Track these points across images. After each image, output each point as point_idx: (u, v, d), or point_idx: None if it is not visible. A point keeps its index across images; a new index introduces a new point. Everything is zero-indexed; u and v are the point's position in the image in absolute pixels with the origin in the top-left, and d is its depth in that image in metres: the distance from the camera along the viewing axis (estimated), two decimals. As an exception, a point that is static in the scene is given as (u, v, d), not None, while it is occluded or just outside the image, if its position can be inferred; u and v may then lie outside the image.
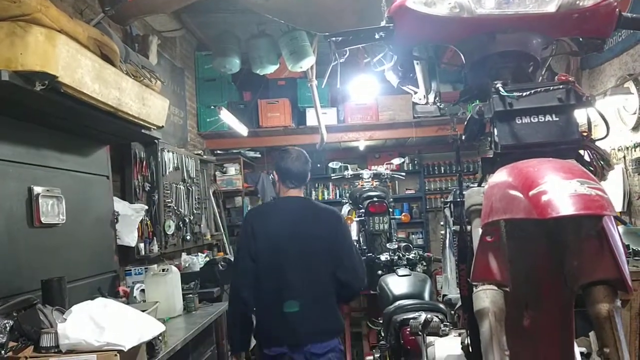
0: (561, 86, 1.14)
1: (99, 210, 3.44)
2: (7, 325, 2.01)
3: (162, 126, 3.49)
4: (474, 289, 1.05)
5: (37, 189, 2.69)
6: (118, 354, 2.02)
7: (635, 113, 4.33)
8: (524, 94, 1.14)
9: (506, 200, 0.92)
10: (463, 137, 1.32)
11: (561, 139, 1.11)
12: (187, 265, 4.64)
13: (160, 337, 2.42)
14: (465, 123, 1.28)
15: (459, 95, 1.37)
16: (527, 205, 0.86)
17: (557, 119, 1.12)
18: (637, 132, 4.33)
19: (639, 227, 4.20)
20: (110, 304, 2.30)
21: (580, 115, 1.19)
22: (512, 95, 1.14)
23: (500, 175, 0.99)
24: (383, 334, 3.27)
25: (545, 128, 1.12)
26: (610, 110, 4.44)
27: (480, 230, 1.02)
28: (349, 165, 6.67)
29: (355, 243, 2.79)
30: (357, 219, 5.09)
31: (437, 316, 2.09)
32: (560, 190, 0.84)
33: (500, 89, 1.15)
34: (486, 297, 0.97)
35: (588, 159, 1.15)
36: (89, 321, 2.09)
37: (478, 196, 1.08)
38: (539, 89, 1.14)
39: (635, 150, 4.33)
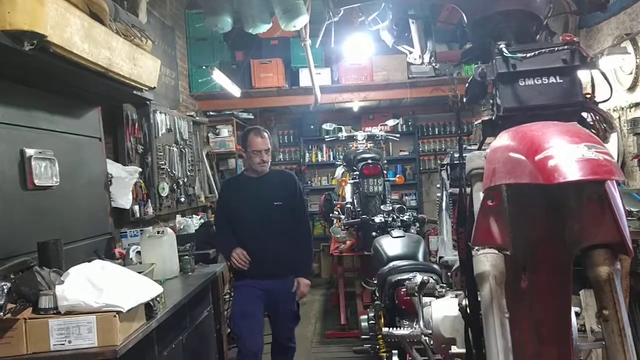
0: (566, 47, 1.11)
1: (92, 172, 3.42)
2: (4, 287, 2.02)
3: (154, 87, 3.43)
4: (473, 252, 1.05)
5: (29, 151, 2.66)
6: (117, 315, 2.04)
7: (631, 73, 4.30)
8: (528, 55, 1.11)
9: (510, 165, 0.91)
10: (464, 99, 1.29)
11: (565, 101, 1.09)
12: (181, 227, 4.65)
13: (157, 298, 2.44)
14: (467, 85, 1.25)
15: (461, 56, 1.34)
16: (533, 170, 0.85)
17: (561, 80, 1.10)
18: (633, 93, 4.31)
19: (632, 187, 4.23)
20: (107, 266, 2.31)
21: (583, 76, 1.17)
22: (516, 57, 1.11)
23: (504, 139, 0.98)
24: (377, 294, 3.32)
25: (549, 90, 1.10)
26: (607, 70, 4.41)
27: (481, 194, 1.01)
28: (342, 127, 6.63)
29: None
30: (352, 181, 5.09)
31: (431, 277, 2.12)
32: (567, 155, 0.83)
33: (504, 49, 1.12)
34: (487, 260, 0.97)
35: (590, 121, 1.14)
36: (87, 283, 2.11)
37: (479, 160, 1.07)
38: (543, 50, 1.11)
39: (630, 111, 4.32)
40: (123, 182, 3.77)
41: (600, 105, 1.20)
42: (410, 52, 1.64)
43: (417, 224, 4.62)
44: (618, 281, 0.91)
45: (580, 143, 0.84)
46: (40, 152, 2.73)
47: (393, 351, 2.60)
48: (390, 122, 6.72)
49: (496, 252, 0.98)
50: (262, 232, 3.42)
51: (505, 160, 0.93)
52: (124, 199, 3.78)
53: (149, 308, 2.36)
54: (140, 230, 3.70)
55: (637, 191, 3.81)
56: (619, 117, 4.41)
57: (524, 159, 0.88)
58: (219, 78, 5.57)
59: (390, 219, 4.20)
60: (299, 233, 3.51)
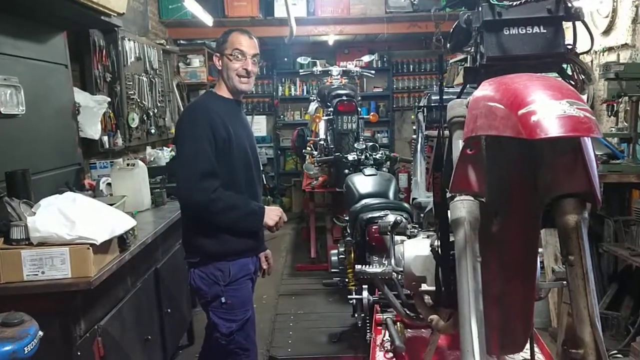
0: (551, -4, 1.11)
1: (59, 101, 3.31)
2: (-26, 218, 1.99)
3: (123, 13, 3.28)
4: (449, 198, 1.08)
5: (-7, 78, 2.56)
6: (90, 247, 2.05)
7: (607, 16, 4.30)
8: (514, 3, 1.10)
9: (493, 117, 0.92)
10: (448, 45, 1.29)
11: (547, 52, 1.10)
12: (152, 159, 4.60)
13: (130, 231, 2.44)
14: (451, 31, 1.24)
15: (446, 0, 1.32)
16: (516, 124, 0.86)
17: (545, 30, 1.10)
18: (608, 37, 4.33)
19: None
20: (79, 198, 2.28)
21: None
22: (502, 5, 1.10)
23: (487, 90, 0.99)
24: (349, 231, 3.39)
25: (532, 40, 1.10)
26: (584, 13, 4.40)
27: (461, 142, 1.03)
28: (317, 61, 6.51)
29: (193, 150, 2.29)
30: (326, 117, 5.07)
31: (403, 216, 2.17)
32: (549, 111, 0.85)
33: (490, -4, 1.11)
34: (463, 207, 1.00)
35: (570, 72, 1.15)
36: (59, 215, 2.08)
37: (460, 108, 1.08)
38: (529, -1, 1.11)
39: (603, 55, 4.36)
40: (91, 112, 3.67)
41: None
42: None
43: (389, 163, 4.68)
44: (585, 229, 0.95)
45: (563, 99, 0.86)
46: (5, 79, 2.62)
47: (363, 286, 2.70)
48: (366, 58, 6.63)
49: (472, 198, 1.01)
50: (257, 185, 2.54)
51: (488, 111, 0.94)
52: (92, 129, 3.69)
53: (122, 240, 2.37)
54: (110, 162, 3.64)
55: (604, 136, 3.91)
56: (591, 61, 4.45)
57: (507, 112, 0.89)
58: (191, 5, 5.35)
59: (363, 157, 4.23)
60: None
